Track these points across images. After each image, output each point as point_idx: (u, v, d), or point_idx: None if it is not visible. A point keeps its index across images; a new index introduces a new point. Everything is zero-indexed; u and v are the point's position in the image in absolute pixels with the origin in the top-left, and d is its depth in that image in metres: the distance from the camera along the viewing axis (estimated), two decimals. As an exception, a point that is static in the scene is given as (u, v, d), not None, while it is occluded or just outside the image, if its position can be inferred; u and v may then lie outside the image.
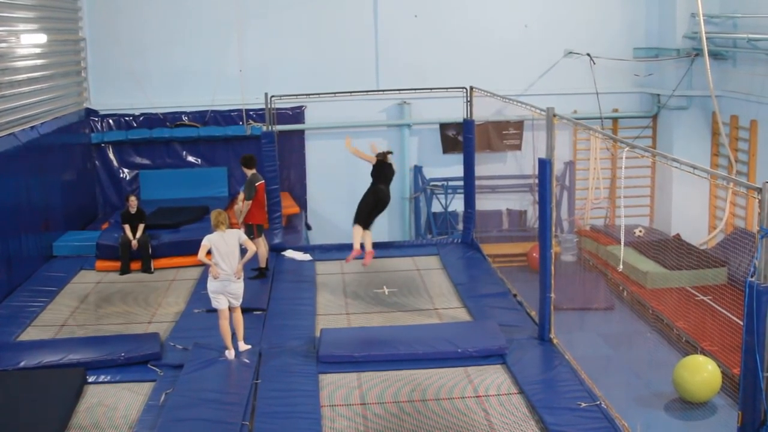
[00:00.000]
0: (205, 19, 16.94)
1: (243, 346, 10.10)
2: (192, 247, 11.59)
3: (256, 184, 12.79)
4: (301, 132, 17.53)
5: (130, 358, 9.81)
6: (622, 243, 9.52)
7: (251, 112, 17.04)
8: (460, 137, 16.48)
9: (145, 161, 17.33)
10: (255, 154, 13.50)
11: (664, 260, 14.43)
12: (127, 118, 17.15)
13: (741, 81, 15.36)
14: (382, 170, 12.32)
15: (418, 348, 10.00)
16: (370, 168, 12.38)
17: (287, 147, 17.02)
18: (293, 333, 10.83)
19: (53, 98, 15.13)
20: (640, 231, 16.28)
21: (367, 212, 12.07)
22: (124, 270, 13.66)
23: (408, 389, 9.20)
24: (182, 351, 10.15)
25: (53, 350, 10.00)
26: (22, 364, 9.65)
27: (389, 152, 12.66)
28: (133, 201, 14.01)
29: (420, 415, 8.62)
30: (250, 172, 12.86)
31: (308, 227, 17.50)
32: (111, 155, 17.26)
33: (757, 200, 6.21)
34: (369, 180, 12.31)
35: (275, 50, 17.05)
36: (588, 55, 17.06)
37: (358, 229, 11.96)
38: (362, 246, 11.99)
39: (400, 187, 17.55)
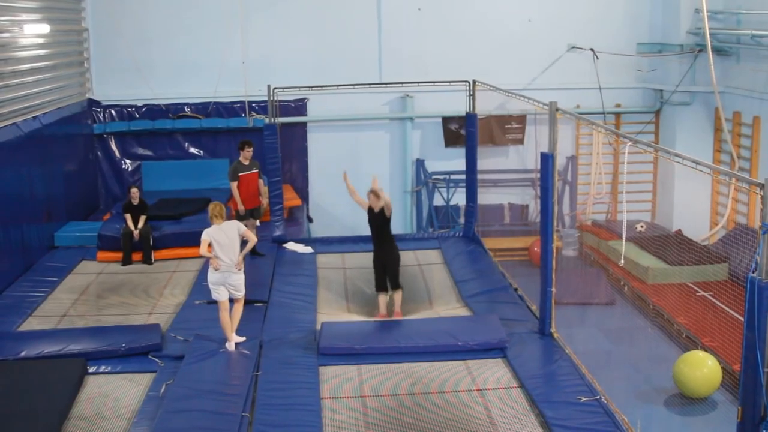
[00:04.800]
0: (208, 10, 16.91)
1: (235, 338, 9.99)
2: (194, 239, 11.62)
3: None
4: (304, 124, 17.53)
5: (131, 349, 9.82)
6: (624, 238, 9.54)
7: (254, 104, 17.04)
8: (462, 131, 16.47)
9: (148, 152, 17.33)
10: (257, 146, 13.77)
11: (666, 256, 14.41)
12: (129, 109, 17.15)
13: (744, 77, 15.32)
14: (374, 222, 11.54)
15: (418, 341, 10.00)
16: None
17: (289, 139, 16.99)
18: (294, 325, 10.84)
19: (56, 88, 15.11)
20: (642, 226, 16.26)
21: (380, 277, 11.58)
22: (126, 261, 13.66)
23: (408, 382, 9.21)
24: (183, 342, 10.16)
25: (54, 340, 10.01)
26: (22, 354, 9.66)
27: (373, 191, 11.38)
28: (135, 192, 14.03)
29: (420, 408, 8.62)
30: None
31: (310, 219, 17.51)
32: (113, 146, 17.27)
33: (759, 196, 6.20)
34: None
35: (278, 42, 17.03)
36: (591, 49, 17.02)
37: (381, 296, 11.59)
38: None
39: (402, 181, 17.57)
